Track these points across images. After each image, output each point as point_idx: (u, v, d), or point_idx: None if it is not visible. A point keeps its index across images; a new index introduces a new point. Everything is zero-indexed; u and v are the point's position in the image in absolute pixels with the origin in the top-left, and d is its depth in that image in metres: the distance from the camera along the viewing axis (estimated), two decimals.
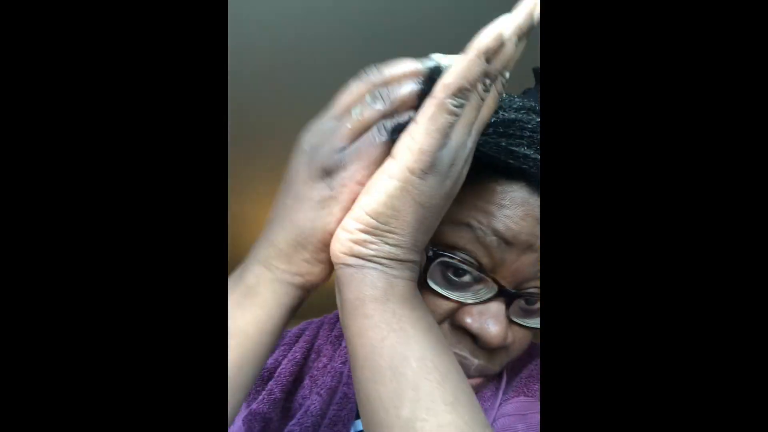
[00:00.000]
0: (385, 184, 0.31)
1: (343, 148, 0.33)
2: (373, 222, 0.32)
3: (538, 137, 0.37)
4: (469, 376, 0.42)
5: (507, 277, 0.39)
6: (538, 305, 0.41)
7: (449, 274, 0.40)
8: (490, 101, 0.33)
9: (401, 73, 0.33)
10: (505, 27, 0.31)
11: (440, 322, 0.41)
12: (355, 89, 0.33)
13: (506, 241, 0.38)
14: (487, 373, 0.43)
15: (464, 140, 0.32)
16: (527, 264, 0.39)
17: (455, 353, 0.41)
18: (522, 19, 0.31)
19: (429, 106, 0.31)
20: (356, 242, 0.32)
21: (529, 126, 0.38)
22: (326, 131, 0.33)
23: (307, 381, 0.51)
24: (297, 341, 0.55)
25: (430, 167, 0.31)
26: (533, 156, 0.38)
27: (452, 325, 0.41)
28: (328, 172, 0.33)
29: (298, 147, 0.35)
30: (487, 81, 0.31)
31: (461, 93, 0.30)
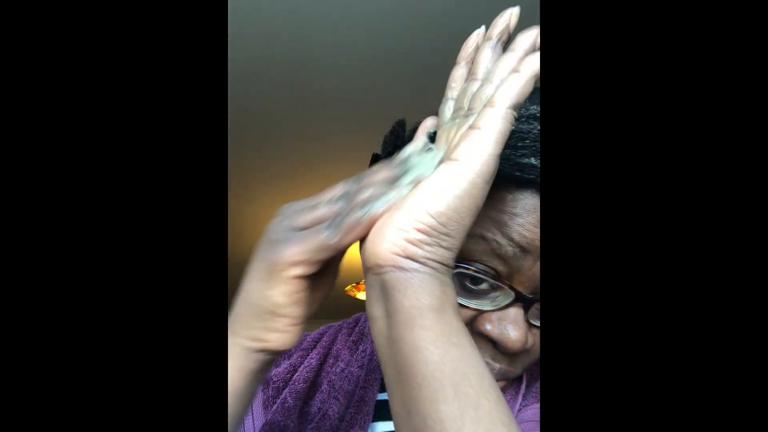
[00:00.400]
0: (451, 185, 0.31)
1: (297, 230, 0.35)
2: (434, 222, 0.31)
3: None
4: None
5: (524, 282, 0.39)
6: None
7: (466, 283, 0.40)
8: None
9: (375, 180, 0.34)
10: (536, 56, 0.33)
11: None
12: (335, 188, 0.36)
13: (522, 249, 0.38)
14: (509, 376, 0.43)
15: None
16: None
17: None
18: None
19: (492, 115, 0.32)
20: (411, 242, 0.31)
21: (532, 135, 0.38)
22: (297, 211, 0.36)
23: (325, 386, 0.51)
24: (315, 347, 0.56)
25: (493, 173, 0.31)
26: (533, 162, 0.38)
27: (472, 332, 0.41)
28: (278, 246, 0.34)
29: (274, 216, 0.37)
30: (513, 112, 0.33)
31: (517, 106, 0.32)
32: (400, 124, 0.46)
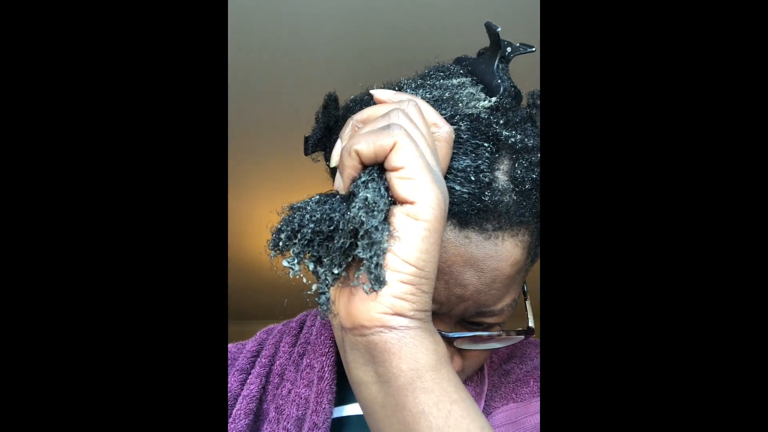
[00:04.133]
0: (414, 228, 0.28)
1: None
2: (413, 269, 0.28)
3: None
4: None
5: (444, 320, 0.37)
6: (486, 333, 0.38)
7: None
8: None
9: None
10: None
11: None
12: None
13: (435, 300, 0.35)
14: None
15: (435, 168, 0.31)
16: (464, 309, 0.36)
17: None
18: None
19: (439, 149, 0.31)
20: (397, 296, 0.28)
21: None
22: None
23: (272, 414, 0.45)
24: (254, 364, 0.48)
25: (444, 200, 0.29)
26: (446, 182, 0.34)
27: None
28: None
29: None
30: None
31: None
32: (332, 99, 0.41)
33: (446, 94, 0.34)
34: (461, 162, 0.32)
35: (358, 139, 0.28)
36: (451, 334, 0.36)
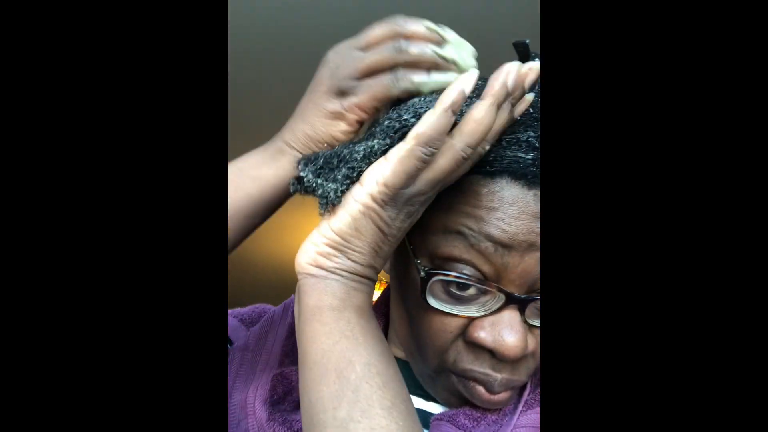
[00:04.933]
0: (350, 206, 0.35)
1: (359, 78, 0.38)
2: (337, 239, 0.35)
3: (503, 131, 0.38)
4: (494, 392, 0.39)
5: (515, 281, 0.37)
6: None
7: (451, 290, 0.38)
8: (454, 164, 0.34)
9: (422, 34, 0.37)
10: (467, 84, 0.34)
11: (452, 341, 0.39)
12: (381, 31, 0.38)
13: (503, 245, 0.36)
14: (514, 385, 0.41)
15: (425, 188, 0.34)
16: (533, 264, 0.37)
17: (475, 370, 0.39)
18: (497, 89, 0.34)
19: (401, 149, 0.33)
20: (321, 254, 0.35)
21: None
22: (350, 57, 0.38)
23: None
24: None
25: (389, 200, 0.34)
26: (508, 153, 0.37)
27: (465, 342, 0.39)
28: (342, 93, 0.38)
29: (323, 60, 0.40)
30: (468, 149, 0.34)
31: (431, 143, 0.33)
32: None
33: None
34: (523, 134, 0.37)
35: (434, 119, 0.33)
36: (523, 296, 0.38)
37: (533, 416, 0.40)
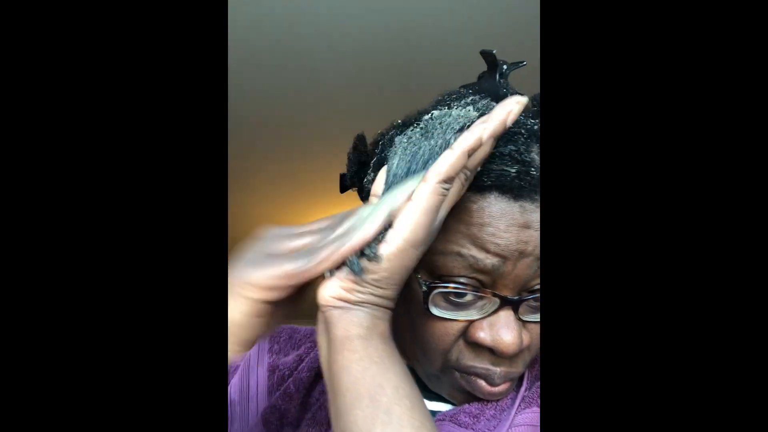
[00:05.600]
0: (383, 249, 0.35)
1: (274, 255, 0.39)
2: (367, 277, 0.36)
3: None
4: (495, 385, 0.44)
5: (508, 285, 0.41)
6: None
7: (451, 298, 0.42)
8: (461, 187, 0.38)
9: (353, 216, 0.39)
10: (485, 131, 0.36)
11: (454, 342, 0.44)
12: (319, 222, 0.40)
13: (499, 257, 0.40)
14: (513, 377, 0.45)
15: (444, 216, 0.37)
16: (524, 269, 0.40)
17: (476, 366, 0.43)
18: (497, 126, 0.36)
19: (423, 189, 0.35)
20: (346, 289, 0.36)
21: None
22: (275, 237, 0.40)
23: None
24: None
25: (423, 240, 0.36)
26: (494, 168, 0.39)
27: (467, 342, 0.43)
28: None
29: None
30: (468, 172, 0.37)
31: (449, 180, 0.35)
32: (360, 139, 0.48)
33: (467, 109, 0.42)
34: (505, 149, 0.40)
35: (453, 159, 0.35)
36: (515, 297, 0.42)
37: (531, 415, 0.44)
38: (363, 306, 0.37)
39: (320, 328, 0.38)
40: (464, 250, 0.40)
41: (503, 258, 0.39)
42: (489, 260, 0.40)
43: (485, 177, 0.39)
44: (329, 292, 0.37)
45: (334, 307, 0.36)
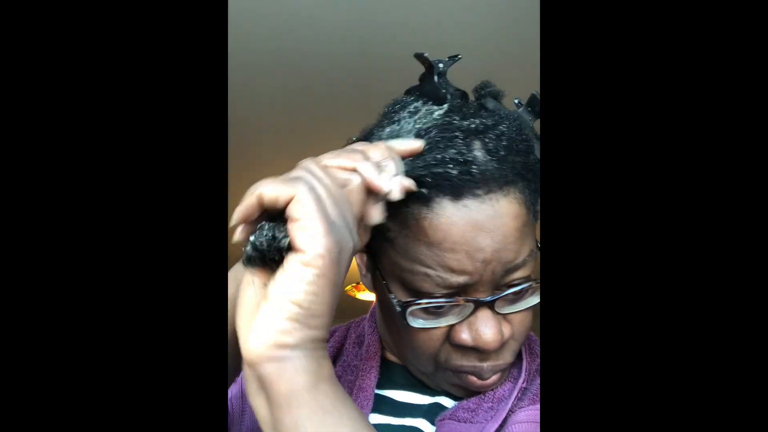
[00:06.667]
0: (302, 273, 0.32)
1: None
2: (296, 308, 0.32)
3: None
4: (485, 378, 0.46)
5: (479, 288, 0.42)
6: (521, 287, 0.43)
7: (428, 308, 0.43)
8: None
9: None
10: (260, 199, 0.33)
11: (440, 346, 0.45)
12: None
13: (464, 274, 0.40)
14: (501, 368, 0.46)
15: (337, 219, 0.34)
16: (491, 270, 0.41)
17: (464, 365, 0.45)
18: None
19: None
20: (281, 332, 0.32)
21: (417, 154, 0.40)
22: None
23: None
24: (329, 341, 0.58)
25: (337, 249, 0.33)
26: (437, 171, 0.40)
27: (452, 344, 0.45)
28: None
29: None
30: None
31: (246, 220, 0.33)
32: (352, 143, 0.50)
33: (407, 122, 0.44)
34: (446, 154, 0.40)
35: (266, 183, 0.32)
36: (488, 298, 0.42)
37: (532, 412, 0.45)
38: (304, 348, 0.32)
39: (251, 389, 0.33)
40: (431, 271, 0.41)
41: (468, 274, 0.40)
42: (455, 278, 0.40)
43: (427, 184, 0.40)
44: (262, 341, 0.32)
45: (271, 358, 0.32)
